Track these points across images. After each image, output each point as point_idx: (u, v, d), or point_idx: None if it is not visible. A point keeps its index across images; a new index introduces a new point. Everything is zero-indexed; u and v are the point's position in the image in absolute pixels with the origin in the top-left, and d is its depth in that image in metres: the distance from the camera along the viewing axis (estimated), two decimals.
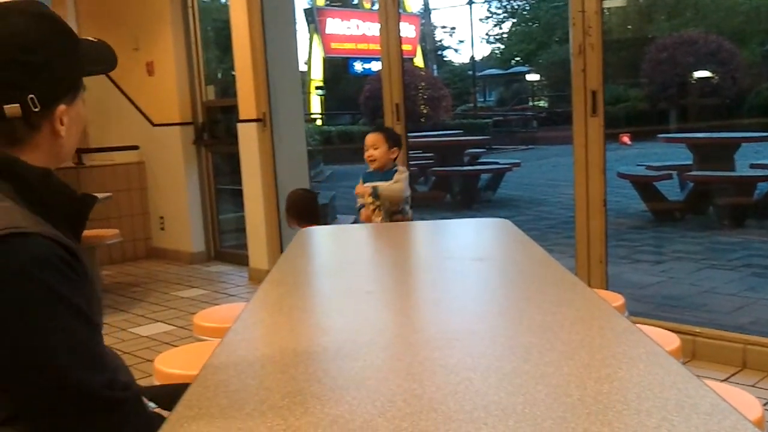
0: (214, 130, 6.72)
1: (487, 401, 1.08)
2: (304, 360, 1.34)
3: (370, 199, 3.73)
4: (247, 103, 5.63)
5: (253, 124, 5.59)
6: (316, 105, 23.23)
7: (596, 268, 3.85)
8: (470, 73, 30.78)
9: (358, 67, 25.03)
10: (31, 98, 1.17)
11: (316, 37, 23.06)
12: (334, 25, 23.72)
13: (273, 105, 5.61)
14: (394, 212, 3.69)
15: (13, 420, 1.13)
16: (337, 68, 25.76)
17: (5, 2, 1.21)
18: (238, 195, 6.20)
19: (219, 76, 7.74)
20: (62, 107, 1.24)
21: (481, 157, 12.92)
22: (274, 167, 5.64)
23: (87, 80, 1.32)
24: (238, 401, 1.15)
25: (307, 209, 4.34)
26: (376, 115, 20.39)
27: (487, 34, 39.26)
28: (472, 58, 32.68)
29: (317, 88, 23.31)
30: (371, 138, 3.85)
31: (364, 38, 24.26)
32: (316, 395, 1.15)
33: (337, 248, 2.61)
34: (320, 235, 2.91)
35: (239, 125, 5.74)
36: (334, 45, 23.85)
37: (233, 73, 5.84)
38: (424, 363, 1.28)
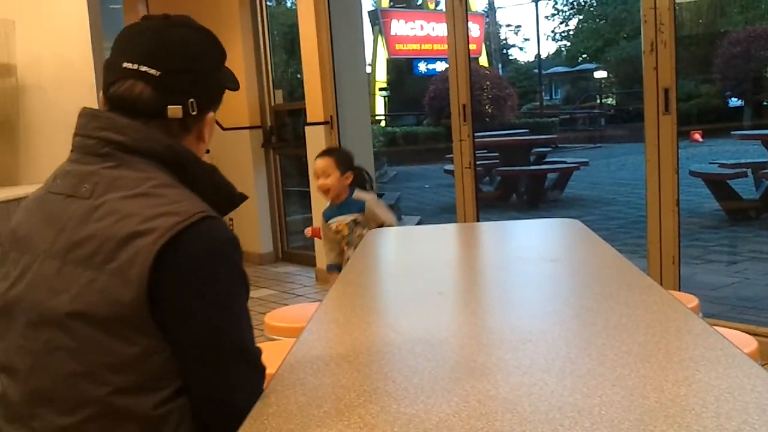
0: (281, 133, 6.82)
1: (562, 402, 1.09)
2: (378, 359, 1.36)
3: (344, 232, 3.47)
4: (314, 106, 5.70)
5: (321, 127, 5.66)
6: (380, 106, 23.32)
7: (668, 268, 3.78)
8: (536, 71, 30.46)
9: (422, 67, 25.03)
10: (191, 102, 1.28)
11: (380, 38, 23.15)
12: (398, 27, 23.77)
13: (340, 107, 5.67)
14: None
15: (184, 389, 1.22)
16: (400, 69, 25.81)
17: (171, 16, 1.33)
18: (304, 197, 6.28)
19: (286, 79, 7.83)
20: (211, 114, 1.35)
21: (548, 156, 12.78)
22: None
23: None
24: (315, 399, 1.18)
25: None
26: (441, 115, 20.40)
27: (553, 32, 38.84)
28: (538, 55, 32.27)
29: (381, 89, 23.39)
30: (319, 164, 3.39)
31: (428, 39, 24.25)
32: (392, 394, 1.17)
33: (405, 249, 2.63)
34: (389, 236, 2.93)
35: (307, 128, 5.81)
36: (398, 46, 23.91)
37: (298, 76, 5.92)
38: (498, 364, 1.29)
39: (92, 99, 5.41)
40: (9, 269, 1.24)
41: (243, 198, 1.36)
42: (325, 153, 3.52)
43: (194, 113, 1.29)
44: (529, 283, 1.93)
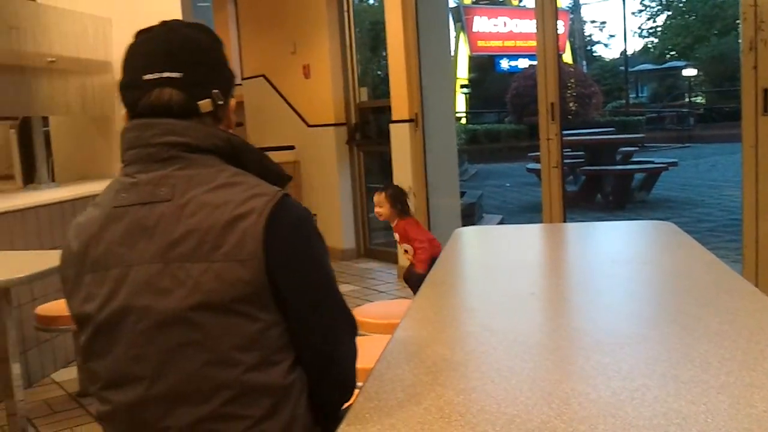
0: (365, 130, 6.88)
1: (666, 409, 1.07)
2: (475, 359, 1.36)
3: None
4: (399, 104, 5.73)
5: (406, 125, 5.68)
6: (461, 104, 23.24)
7: (765, 274, 3.65)
8: (622, 68, 29.79)
9: (505, 64, 24.81)
10: (216, 92, 1.33)
11: (462, 35, 23.04)
12: (480, 23, 23.62)
13: (425, 105, 5.68)
14: None
15: (298, 362, 1.29)
16: (482, 66, 25.64)
17: (167, 21, 1.37)
18: None
19: (368, 76, 7.88)
20: (233, 101, 1.41)
21: (634, 156, 12.49)
22: (425, 167, 5.71)
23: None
24: (414, 396, 1.19)
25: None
26: (524, 113, 20.18)
27: (639, 28, 37.88)
28: (624, 52, 31.57)
29: (462, 86, 23.29)
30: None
31: (511, 35, 24.02)
32: (491, 394, 1.17)
33: (493, 248, 2.62)
34: (475, 235, 2.93)
35: (391, 126, 5.85)
36: (480, 43, 23.76)
37: (379, 73, 5.94)
38: (597, 367, 1.27)
39: None
40: (90, 290, 1.26)
41: (289, 179, 1.43)
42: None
43: (221, 102, 1.34)
44: (623, 286, 1.90)
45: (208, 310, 1.19)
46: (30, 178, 7.22)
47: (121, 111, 3.85)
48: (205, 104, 1.31)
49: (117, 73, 4.85)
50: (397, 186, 4.74)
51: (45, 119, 5.64)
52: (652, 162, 12.24)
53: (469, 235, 2.87)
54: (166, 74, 1.28)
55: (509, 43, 24.18)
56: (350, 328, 1.39)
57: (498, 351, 1.39)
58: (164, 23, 1.36)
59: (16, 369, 3.07)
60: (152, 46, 1.32)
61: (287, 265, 1.24)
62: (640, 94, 31.39)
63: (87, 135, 5.74)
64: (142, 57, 1.32)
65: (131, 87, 1.32)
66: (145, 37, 1.34)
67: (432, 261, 4.98)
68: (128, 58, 1.34)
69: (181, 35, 1.34)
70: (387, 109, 6.04)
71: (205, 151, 1.29)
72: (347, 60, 6.86)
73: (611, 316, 1.63)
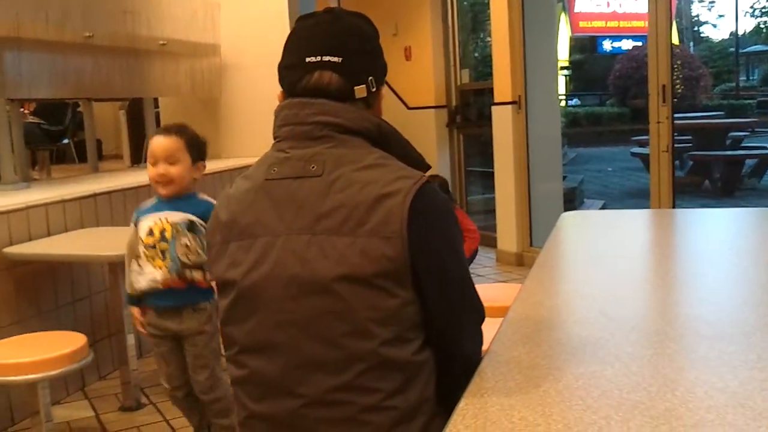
0: (466, 112, 6.84)
1: None
2: (592, 344, 1.34)
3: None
4: (502, 86, 5.66)
5: (508, 107, 5.61)
6: (561, 86, 22.77)
7: None
8: (731, 49, 28.52)
9: (607, 45, 24.15)
10: (371, 79, 1.39)
11: (563, 15, 22.55)
12: (583, 3, 23.06)
13: (528, 87, 5.59)
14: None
15: (427, 342, 1.33)
16: (583, 47, 25.03)
17: (332, 8, 1.44)
18: (486, 177, 6.27)
19: (467, 57, 7.81)
20: (384, 89, 1.45)
21: (744, 141, 11.96)
22: (527, 150, 5.63)
23: None
24: (532, 379, 1.19)
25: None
26: (627, 95, 19.61)
27: (751, 7, 36.09)
28: (735, 33, 30.19)
29: (563, 68, 22.82)
30: (165, 144, 2.49)
31: (614, 15, 23.36)
32: (611, 379, 1.16)
33: (601, 233, 2.56)
34: (582, 219, 2.88)
35: (494, 108, 5.79)
36: (582, 23, 23.21)
37: (476, 55, 5.86)
38: (721, 356, 1.23)
39: None
40: (235, 257, 1.32)
41: (428, 167, 1.45)
42: (171, 131, 2.54)
43: (374, 90, 1.40)
44: (743, 276, 1.83)
45: (351, 282, 1.23)
46: (137, 158, 7.53)
47: (226, 93, 4.01)
48: (360, 89, 1.37)
49: (224, 56, 4.98)
50: (441, 176, 4.71)
51: (155, 101, 5.85)
52: (765, 147, 11.69)
53: (577, 219, 2.82)
54: (327, 58, 1.35)
55: (612, 24, 23.51)
56: (478, 314, 1.40)
57: (616, 337, 1.36)
58: (329, 10, 1.43)
59: (130, 339, 3.22)
60: (317, 31, 1.39)
61: (426, 247, 1.27)
62: (750, 77, 29.99)
63: (194, 116, 5.92)
64: (306, 40, 1.38)
65: (293, 68, 1.38)
66: (310, 22, 1.41)
67: (475, 252, 4.94)
68: (292, 40, 1.41)
69: (345, 23, 1.41)
70: (488, 91, 5.98)
71: (355, 133, 1.35)
72: (449, 41, 6.82)
73: (732, 305, 1.57)
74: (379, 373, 1.25)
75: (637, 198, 9.76)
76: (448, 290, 1.33)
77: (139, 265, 2.51)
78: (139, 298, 2.58)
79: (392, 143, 1.40)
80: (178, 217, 2.50)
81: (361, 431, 1.25)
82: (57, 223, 3.41)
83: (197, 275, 2.50)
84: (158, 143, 2.50)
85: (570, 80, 24.18)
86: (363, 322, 1.24)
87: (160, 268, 2.47)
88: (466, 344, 1.38)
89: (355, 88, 1.37)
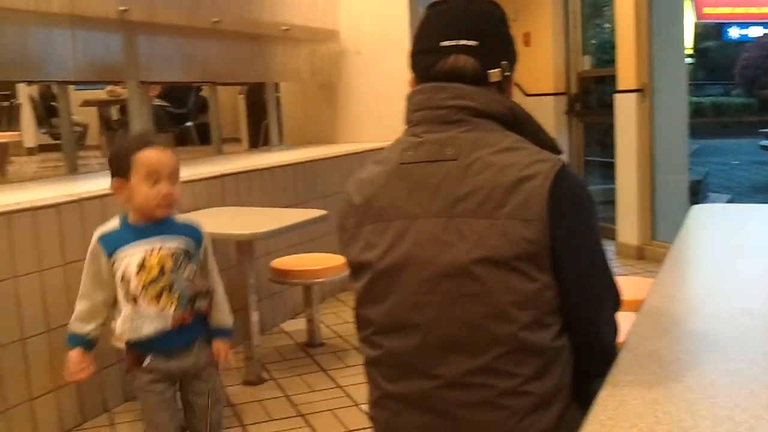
0: (586, 100, 6.67)
1: None
2: (735, 341, 1.29)
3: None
4: (626, 73, 5.49)
5: (632, 95, 5.44)
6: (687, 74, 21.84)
7: None
8: None
9: (734, 32, 23.04)
10: (505, 63, 1.39)
11: (687, 1, 21.64)
12: None
13: (653, 75, 5.40)
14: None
15: (564, 328, 1.32)
16: (707, 34, 23.97)
17: None
18: (605, 167, 6.10)
19: (586, 43, 7.62)
20: (515, 74, 1.44)
21: None
22: (651, 140, 5.44)
23: None
24: (673, 373, 1.16)
25: None
26: (755, 85, 18.69)
27: None
28: None
29: (687, 56, 21.92)
30: (169, 161, 2.18)
31: (742, 1, 22.23)
32: (759, 378, 1.11)
33: (736, 227, 2.45)
34: (715, 212, 2.76)
35: (616, 96, 5.62)
36: (707, 10, 22.22)
37: (593, 41, 5.68)
38: None
39: (405, 64, 5.68)
40: (370, 240, 1.34)
41: (561, 152, 1.43)
42: (165, 145, 2.25)
43: (507, 74, 1.40)
44: None
45: (490, 264, 1.24)
46: (254, 142, 7.75)
47: (344, 79, 3.99)
48: (494, 73, 1.37)
49: (344, 41, 5.05)
50: None
51: (275, 86, 5.97)
52: None
53: (709, 212, 2.71)
54: (463, 42, 1.36)
55: (740, 10, 22.40)
56: (615, 301, 1.39)
57: (762, 335, 1.31)
58: None
59: (254, 316, 3.33)
60: (451, 16, 1.40)
61: (566, 230, 1.26)
62: None
63: (312, 101, 6.03)
64: (440, 25, 1.40)
65: (427, 52, 1.39)
66: (443, 7, 1.42)
67: None
68: (425, 25, 1.42)
69: (478, 8, 1.42)
70: (609, 79, 5.81)
71: (489, 116, 1.34)
72: (570, 27, 6.67)
73: None
74: (518, 358, 1.25)
75: (765, 193, 9.30)
76: (588, 274, 1.32)
77: (136, 309, 2.11)
78: (135, 344, 2.16)
79: (525, 127, 1.39)
80: (175, 243, 2.16)
81: (497, 415, 1.25)
82: (187, 202, 3.55)
83: (204, 303, 2.22)
84: (162, 159, 2.14)
85: (694, 69, 23.22)
86: (502, 305, 1.24)
87: (170, 305, 2.12)
88: (603, 330, 1.37)
89: (490, 72, 1.37)
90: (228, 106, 8.38)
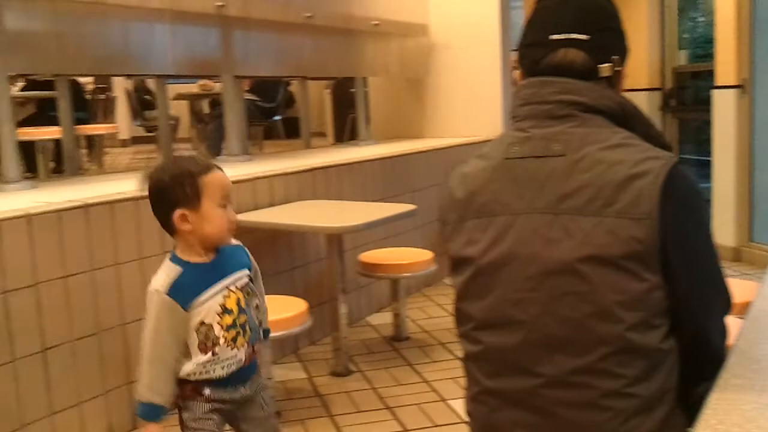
0: (681, 96, 6.47)
1: None
2: None
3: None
4: (725, 68, 5.29)
5: (731, 91, 5.24)
6: None
7: None
8: None
9: None
10: (616, 58, 1.36)
11: None
12: None
13: (755, 70, 5.19)
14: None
15: (672, 330, 1.29)
16: None
17: None
18: (700, 165, 5.90)
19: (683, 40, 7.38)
20: (626, 69, 1.41)
21: None
22: (751, 138, 5.24)
23: None
24: None
25: None
26: None
27: None
28: None
29: None
30: (229, 181, 1.97)
31: None
32: None
33: None
34: None
35: (714, 92, 5.43)
36: None
37: (684, 35, 5.47)
38: None
39: (495, 59, 5.64)
40: (472, 235, 1.34)
41: (671, 149, 1.38)
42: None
43: (618, 69, 1.37)
44: None
45: (597, 263, 1.21)
46: (339, 136, 7.82)
47: (433, 73, 3.89)
48: (605, 68, 1.35)
49: (433, 35, 5.04)
50: None
51: (364, 80, 6.00)
52: None
53: None
54: (574, 35, 1.34)
55: None
56: (725, 304, 1.35)
57: None
58: None
59: (343, 308, 3.36)
60: (562, 8, 1.39)
61: (678, 230, 1.23)
62: None
63: (401, 96, 6.04)
64: (550, 18, 1.39)
65: (536, 46, 1.38)
66: (553, 0, 1.40)
67: None
68: (534, 19, 1.42)
69: (591, 1, 1.40)
70: (705, 74, 5.61)
71: (598, 111, 1.32)
72: (665, 21, 6.48)
73: None
74: (623, 358, 1.22)
75: None
76: (699, 274, 1.29)
77: (215, 356, 1.90)
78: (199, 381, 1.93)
79: (635, 123, 1.36)
80: (239, 275, 1.97)
81: (600, 417, 1.23)
82: (279, 195, 3.62)
83: (263, 331, 2.08)
84: (228, 182, 1.94)
85: None
86: (608, 305, 1.21)
87: (243, 345, 1.95)
88: (712, 333, 1.33)
89: (600, 66, 1.35)
90: (314, 100, 8.50)
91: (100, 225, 2.78)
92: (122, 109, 9.72)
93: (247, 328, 1.95)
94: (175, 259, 1.91)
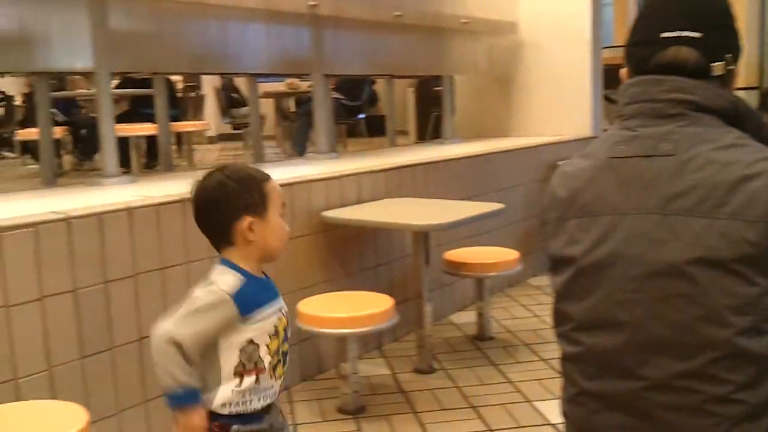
0: None
1: None
2: None
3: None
4: None
5: None
6: None
7: None
8: None
9: None
10: (729, 56, 1.33)
11: None
12: None
13: None
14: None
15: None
16: None
17: None
18: None
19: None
20: (739, 68, 1.37)
21: None
22: None
23: None
24: None
25: None
26: None
27: None
28: None
29: None
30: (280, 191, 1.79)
31: None
32: None
33: None
34: None
35: None
36: None
37: None
38: None
39: (586, 57, 5.54)
40: (574, 234, 1.33)
41: None
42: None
43: (731, 67, 1.33)
44: None
45: (706, 265, 1.19)
46: (422, 134, 7.82)
47: (521, 71, 3.82)
48: (718, 67, 1.33)
49: (522, 33, 4.99)
50: None
51: (450, 79, 5.99)
52: None
53: None
54: (686, 33, 1.33)
55: None
56: None
57: None
58: None
59: (428, 306, 3.37)
60: (672, 5, 1.37)
61: None
62: None
63: (487, 94, 6.00)
64: (660, 16, 1.37)
65: (645, 44, 1.37)
66: None
67: None
68: (644, 16, 1.40)
69: None
70: None
71: (709, 111, 1.30)
72: (765, 17, 6.25)
73: None
74: (731, 364, 1.19)
75: None
76: None
77: (258, 383, 1.69)
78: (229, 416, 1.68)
79: (747, 123, 1.32)
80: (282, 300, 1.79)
81: (705, 422, 1.20)
82: (366, 192, 3.65)
83: None
84: (281, 192, 1.78)
85: None
86: (717, 309, 1.19)
87: (281, 377, 1.76)
88: None
89: (713, 65, 1.32)
90: (397, 98, 8.56)
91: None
92: (210, 106, 9.98)
93: (287, 359, 1.77)
94: (236, 267, 1.70)
